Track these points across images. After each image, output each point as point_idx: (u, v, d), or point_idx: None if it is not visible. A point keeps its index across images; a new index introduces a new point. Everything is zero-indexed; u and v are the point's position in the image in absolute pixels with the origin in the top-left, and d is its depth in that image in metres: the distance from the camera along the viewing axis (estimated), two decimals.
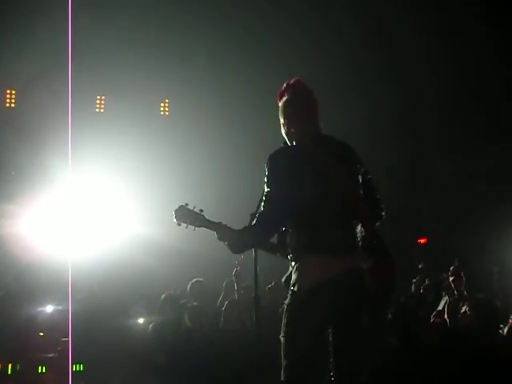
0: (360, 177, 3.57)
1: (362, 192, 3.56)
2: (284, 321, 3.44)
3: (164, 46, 10.23)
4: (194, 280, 6.69)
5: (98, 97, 11.11)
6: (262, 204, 3.46)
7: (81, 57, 8.42)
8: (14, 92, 10.65)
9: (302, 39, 9.83)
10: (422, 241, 10.96)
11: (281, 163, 3.47)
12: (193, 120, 10.80)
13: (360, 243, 3.49)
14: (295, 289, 3.42)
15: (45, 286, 6.53)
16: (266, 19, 9.85)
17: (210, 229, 3.61)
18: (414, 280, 7.11)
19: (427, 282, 6.84)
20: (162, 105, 11.58)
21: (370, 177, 3.66)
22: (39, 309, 6.15)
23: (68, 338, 5.46)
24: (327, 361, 3.41)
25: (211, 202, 5.25)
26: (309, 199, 3.39)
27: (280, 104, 3.68)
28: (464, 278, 6.26)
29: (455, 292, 6.18)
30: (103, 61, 10.09)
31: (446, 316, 5.71)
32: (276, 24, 9.89)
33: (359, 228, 3.52)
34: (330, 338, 3.40)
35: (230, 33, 10.10)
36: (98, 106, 11.10)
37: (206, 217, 3.64)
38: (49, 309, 6.22)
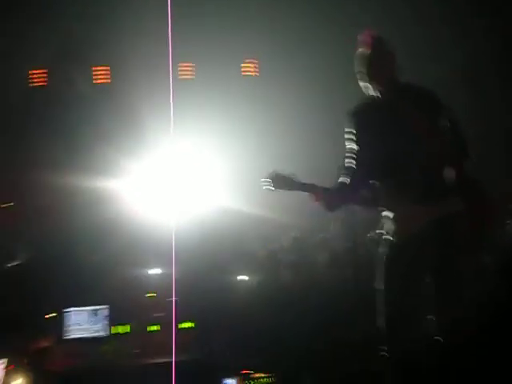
0: (443, 122, 3.54)
1: (446, 137, 3.53)
2: (380, 268, 3.53)
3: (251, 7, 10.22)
4: (290, 236, 6.85)
5: (185, 64, 11.24)
6: (346, 160, 3.52)
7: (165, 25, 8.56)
8: (107, 68, 11.04)
9: None
10: None
11: (361, 118, 3.52)
12: (282, 80, 10.74)
13: (452, 189, 3.49)
14: (389, 238, 3.51)
15: (150, 251, 6.87)
16: None
17: (305, 191, 3.67)
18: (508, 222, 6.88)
19: None
20: (251, 65, 11.60)
21: (455, 120, 3.60)
22: (148, 271, 6.52)
23: (175, 298, 5.77)
24: (426, 308, 3.47)
25: (302, 165, 5.30)
26: (391, 151, 3.42)
27: (357, 55, 3.67)
28: None
29: None
30: (189, 27, 10.21)
31: None
32: None
33: (449, 173, 3.51)
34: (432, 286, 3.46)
35: None
36: (184, 72, 11.25)
37: (299, 180, 3.75)
38: (157, 271, 6.57)
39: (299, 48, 10.53)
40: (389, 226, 3.53)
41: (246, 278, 6.54)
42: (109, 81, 10.99)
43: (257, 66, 11.61)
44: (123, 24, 9.60)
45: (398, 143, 3.41)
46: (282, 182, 3.69)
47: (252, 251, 7.09)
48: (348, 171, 3.51)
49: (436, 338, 3.38)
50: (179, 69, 11.21)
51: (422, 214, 3.39)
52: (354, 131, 3.50)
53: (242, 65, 11.60)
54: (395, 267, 3.47)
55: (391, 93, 3.54)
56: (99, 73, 11.00)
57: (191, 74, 11.26)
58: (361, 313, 3.77)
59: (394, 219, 3.50)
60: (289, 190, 3.71)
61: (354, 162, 3.49)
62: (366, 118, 3.51)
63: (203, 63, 11.18)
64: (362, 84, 3.67)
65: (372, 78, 3.59)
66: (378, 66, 3.57)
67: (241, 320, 5.63)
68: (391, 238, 3.51)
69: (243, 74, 11.59)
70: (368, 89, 3.64)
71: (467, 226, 3.45)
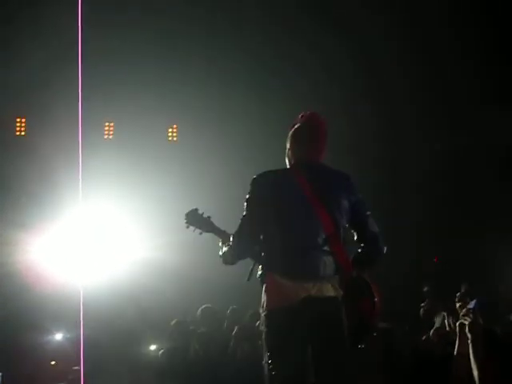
0: (348, 207, 3.49)
1: (347, 222, 3.50)
2: (263, 348, 3.39)
3: (173, 71, 10.31)
4: (204, 306, 6.71)
5: (107, 123, 11.17)
6: (239, 224, 3.51)
7: (88, 83, 8.52)
8: (23, 120, 10.78)
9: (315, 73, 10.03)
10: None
11: (259, 189, 3.48)
12: (201, 147, 10.80)
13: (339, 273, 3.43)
14: (263, 313, 3.40)
15: (55, 313, 6.59)
16: (280, 49, 9.99)
17: (216, 234, 3.72)
18: (422, 305, 7.09)
19: (432, 308, 6.81)
20: (170, 130, 11.59)
21: (364, 209, 3.56)
22: (49, 337, 6.21)
23: (79, 366, 5.50)
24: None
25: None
26: (277, 225, 3.39)
27: (290, 131, 3.68)
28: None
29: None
30: (111, 86, 10.18)
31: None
32: (288, 53, 10.02)
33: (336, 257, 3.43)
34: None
35: (241, 61, 10.19)
36: (106, 132, 11.17)
37: (215, 223, 3.75)
38: (59, 337, 6.27)
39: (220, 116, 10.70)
40: (263, 298, 3.42)
41: (155, 347, 6.35)
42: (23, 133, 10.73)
43: (176, 131, 11.62)
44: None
45: (281, 218, 3.39)
46: (195, 219, 3.74)
47: (163, 320, 6.92)
48: (236, 234, 3.51)
49: None
50: (105, 128, 11.09)
51: (293, 292, 3.29)
52: (247, 200, 3.49)
53: (162, 129, 11.59)
54: (268, 342, 3.34)
55: (298, 168, 3.52)
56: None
57: (112, 134, 11.16)
58: None
59: (267, 292, 3.41)
60: (200, 229, 3.78)
61: (239, 230, 3.49)
62: (261, 190, 3.47)
63: (125, 124, 11.11)
64: (286, 157, 3.68)
65: (292, 153, 3.61)
66: (301, 144, 3.58)
67: None
68: (264, 314, 3.40)
69: (168, 138, 11.58)
70: (288, 161, 3.64)
71: (345, 313, 3.36)
